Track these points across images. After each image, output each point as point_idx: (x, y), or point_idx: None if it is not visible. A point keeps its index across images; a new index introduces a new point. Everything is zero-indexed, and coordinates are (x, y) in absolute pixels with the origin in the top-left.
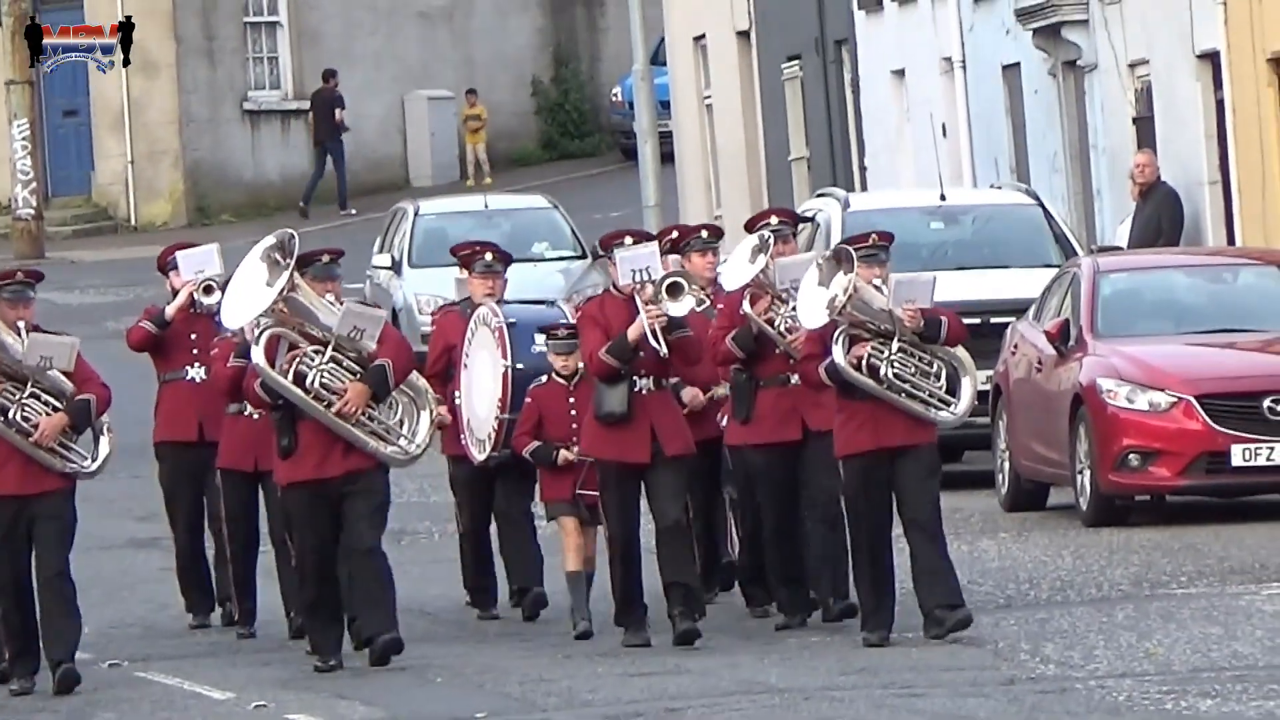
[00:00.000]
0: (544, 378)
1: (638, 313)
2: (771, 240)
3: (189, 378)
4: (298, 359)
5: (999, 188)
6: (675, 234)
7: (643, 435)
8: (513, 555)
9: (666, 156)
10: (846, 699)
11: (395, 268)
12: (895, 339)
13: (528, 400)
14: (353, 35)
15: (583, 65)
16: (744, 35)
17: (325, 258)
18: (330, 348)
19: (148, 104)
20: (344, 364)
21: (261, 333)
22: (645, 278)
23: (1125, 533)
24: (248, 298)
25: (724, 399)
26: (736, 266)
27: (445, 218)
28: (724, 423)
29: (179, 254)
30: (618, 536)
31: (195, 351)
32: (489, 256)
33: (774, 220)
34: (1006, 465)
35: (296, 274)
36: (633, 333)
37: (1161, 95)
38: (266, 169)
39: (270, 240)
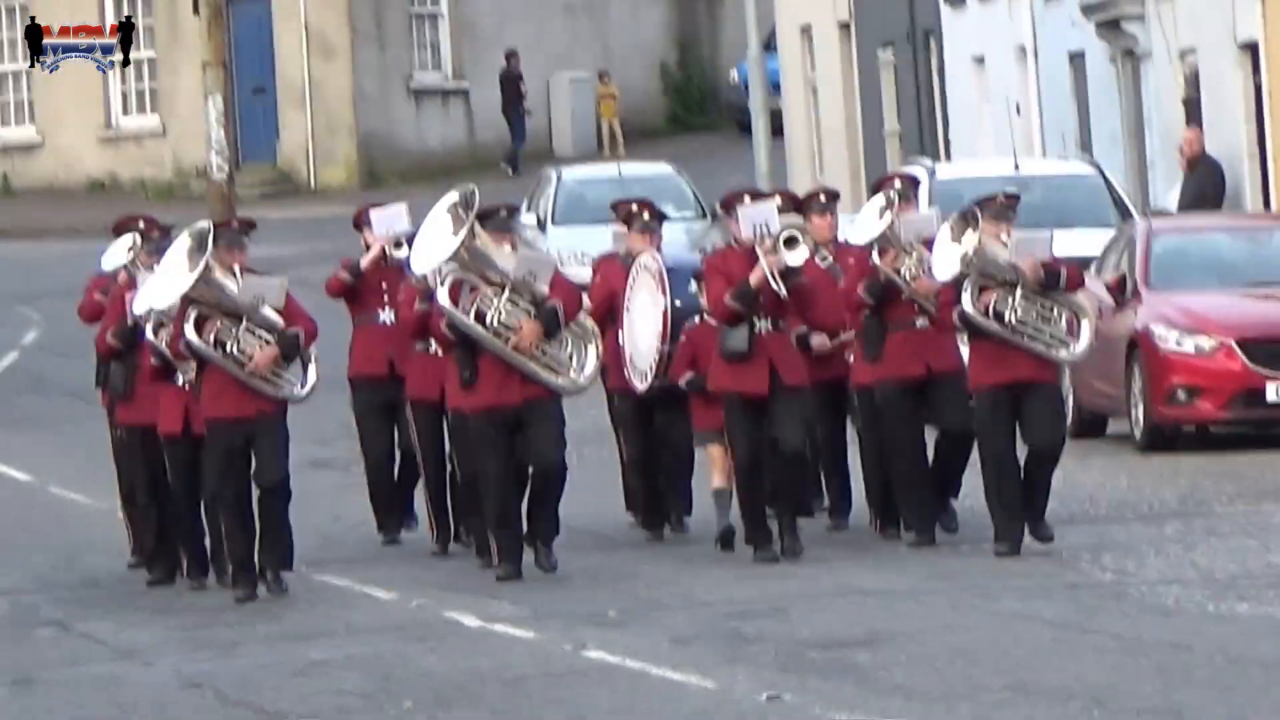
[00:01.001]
0: (696, 319)
1: (757, 262)
2: (896, 200)
3: (380, 321)
4: (478, 299)
5: (1066, 159)
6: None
7: (762, 370)
8: (668, 487)
9: (777, 131)
10: (929, 600)
11: (541, 225)
12: (1018, 288)
13: (683, 339)
14: (505, 25)
15: (704, 51)
16: (844, 26)
17: (504, 212)
18: (507, 290)
19: (326, 83)
20: (519, 304)
21: (446, 277)
22: (764, 231)
23: (1173, 458)
24: (434, 245)
25: (849, 343)
26: (866, 223)
27: (584, 183)
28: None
29: (372, 212)
30: (743, 461)
31: (386, 298)
32: (647, 215)
33: (897, 183)
34: (1071, 399)
35: (477, 225)
36: (754, 278)
37: (1207, 80)
38: (428, 140)
39: (454, 196)
